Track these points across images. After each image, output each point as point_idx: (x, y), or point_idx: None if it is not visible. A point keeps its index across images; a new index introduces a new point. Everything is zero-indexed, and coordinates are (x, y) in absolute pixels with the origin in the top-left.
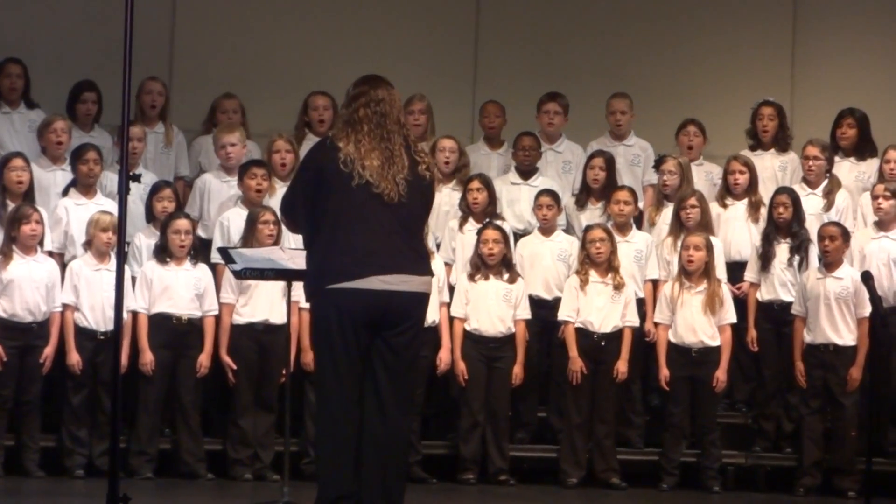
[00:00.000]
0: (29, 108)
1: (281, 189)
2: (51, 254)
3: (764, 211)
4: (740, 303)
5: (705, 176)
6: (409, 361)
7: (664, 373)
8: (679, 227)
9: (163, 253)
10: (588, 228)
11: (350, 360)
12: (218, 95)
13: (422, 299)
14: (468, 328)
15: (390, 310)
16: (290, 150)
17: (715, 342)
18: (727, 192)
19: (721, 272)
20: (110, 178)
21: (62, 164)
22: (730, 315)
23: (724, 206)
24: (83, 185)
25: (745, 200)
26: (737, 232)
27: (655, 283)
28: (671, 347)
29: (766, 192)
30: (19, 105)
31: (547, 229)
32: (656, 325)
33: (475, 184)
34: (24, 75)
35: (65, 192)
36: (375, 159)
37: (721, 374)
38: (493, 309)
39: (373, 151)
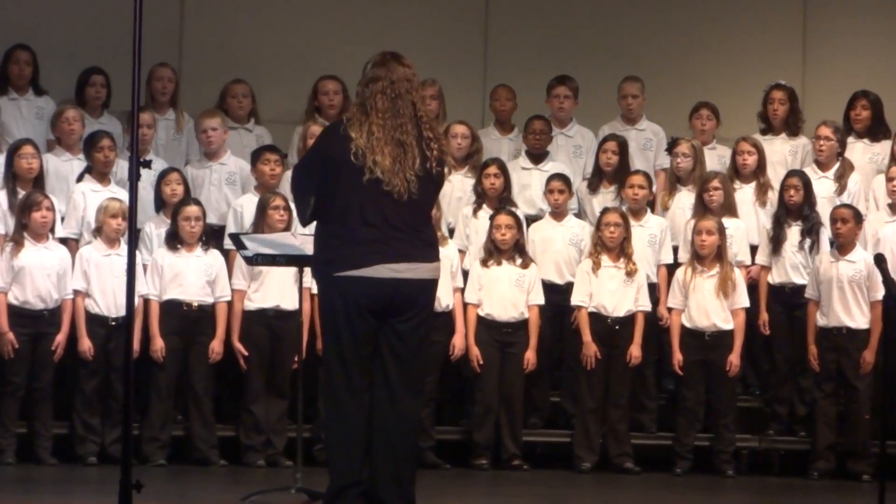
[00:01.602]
0: (37, 94)
1: None
2: (65, 241)
3: (771, 194)
4: (752, 286)
5: (717, 159)
6: (415, 346)
7: (678, 357)
8: (703, 209)
9: (173, 239)
10: (605, 211)
11: (356, 346)
12: (228, 81)
13: (429, 286)
14: (481, 313)
15: (397, 297)
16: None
17: (728, 326)
18: (735, 174)
19: (745, 254)
20: (121, 165)
21: (78, 153)
22: (743, 299)
23: (732, 189)
24: (99, 171)
25: (753, 184)
26: (744, 216)
27: (669, 268)
28: (684, 332)
29: (776, 176)
30: (27, 92)
31: (558, 214)
32: (669, 310)
33: (492, 169)
34: (32, 62)
35: (79, 179)
36: (388, 156)
37: (734, 358)
38: (506, 294)
39: (386, 146)
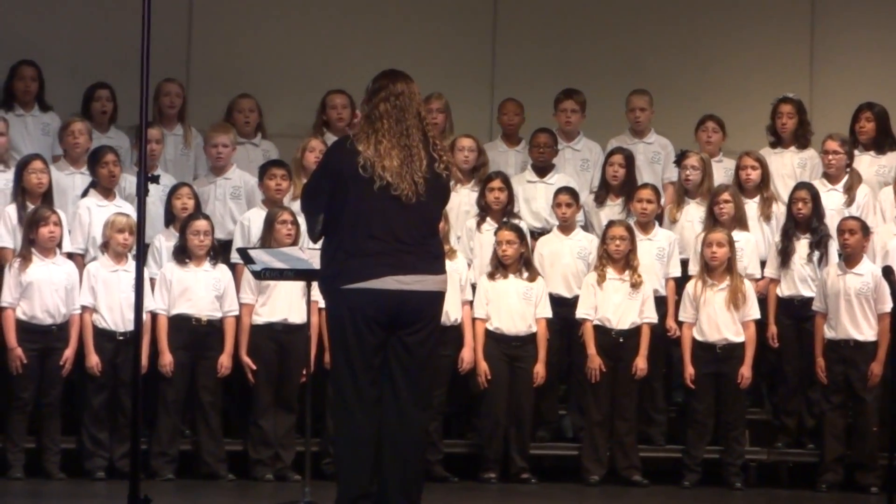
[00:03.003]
0: (43, 110)
1: None
2: (71, 256)
3: (776, 208)
4: (760, 300)
5: (724, 172)
6: (423, 359)
7: (690, 371)
8: (713, 222)
9: (182, 254)
10: (610, 224)
11: (365, 359)
12: (235, 96)
13: (436, 298)
14: (490, 328)
15: (405, 309)
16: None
17: (739, 338)
18: (739, 189)
19: (755, 267)
20: (129, 181)
21: (81, 166)
22: (753, 311)
23: (742, 202)
24: (103, 187)
25: (757, 198)
26: (749, 231)
27: (677, 281)
28: (696, 345)
29: (785, 188)
30: (33, 108)
31: (566, 227)
32: (681, 323)
33: (497, 183)
34: (38, 77)
35: (84, 194)
36: (395, 158)
37: (746, 371)
38: (513, 308)
39: (392, 150)
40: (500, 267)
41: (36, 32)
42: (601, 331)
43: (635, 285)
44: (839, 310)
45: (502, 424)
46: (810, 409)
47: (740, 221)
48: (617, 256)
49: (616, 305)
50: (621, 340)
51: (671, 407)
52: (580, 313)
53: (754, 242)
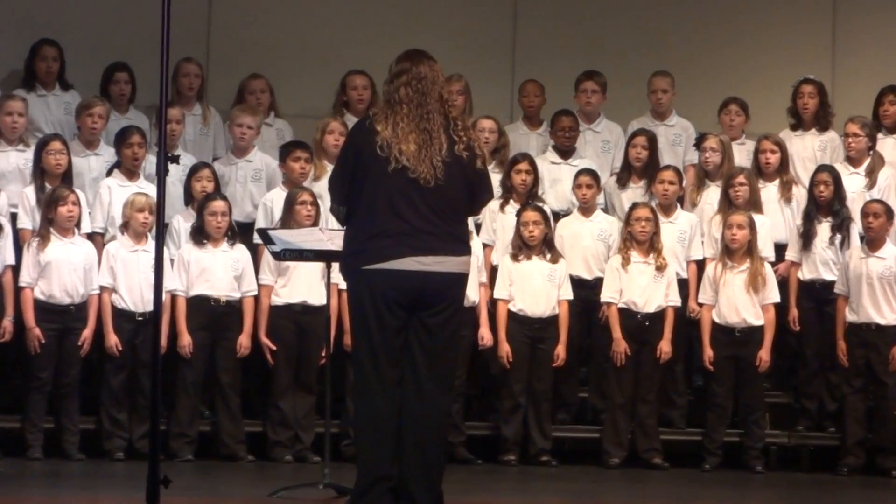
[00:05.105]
0: (64, 90)
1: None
2: (92, 235)
3: (796, 191)
4: (781, 283)
5: (747, 155)
6: (445, 341)
7: (708, 353)
8: (728, 205)
9: (199, 235)
10: (634, 206)
11: (385, 340)
12: (245, 77)
13: (458, 279)
14: (512, 309)
15: (425, 290)
16: (345, 132)
17: (758, 321)
18: (758, 172)
19: (769, 251)
20: (150, 161)
21: (95, 148)
22: (773, 294)
23: (758, 185)
24: (127, 168)
25: (777, 182)
26: (770, 214)
27: (699, 264)
28: (715, 327)
29: (806, 171)
30: (55, 87)
31: (587, 209)
32: (700, 305)
33: (523, 165)
34: (59, 57)
35: (108, 174)
36: (412, 143)
37: (764, 354)
38: (537, 289)
39: (410, 134)
40: (523, 248)
41: (56, 11)
42: (626, 314)
43: (660, 268)
44: (861, 293)
45: (522, 406)
46: (831, 393)
47: (755, 204)
48: (642, 238)
49: (642, 288)
50: (647, 324)
51: (690, 390)
52: (605, 297)
53: (768, 226)
